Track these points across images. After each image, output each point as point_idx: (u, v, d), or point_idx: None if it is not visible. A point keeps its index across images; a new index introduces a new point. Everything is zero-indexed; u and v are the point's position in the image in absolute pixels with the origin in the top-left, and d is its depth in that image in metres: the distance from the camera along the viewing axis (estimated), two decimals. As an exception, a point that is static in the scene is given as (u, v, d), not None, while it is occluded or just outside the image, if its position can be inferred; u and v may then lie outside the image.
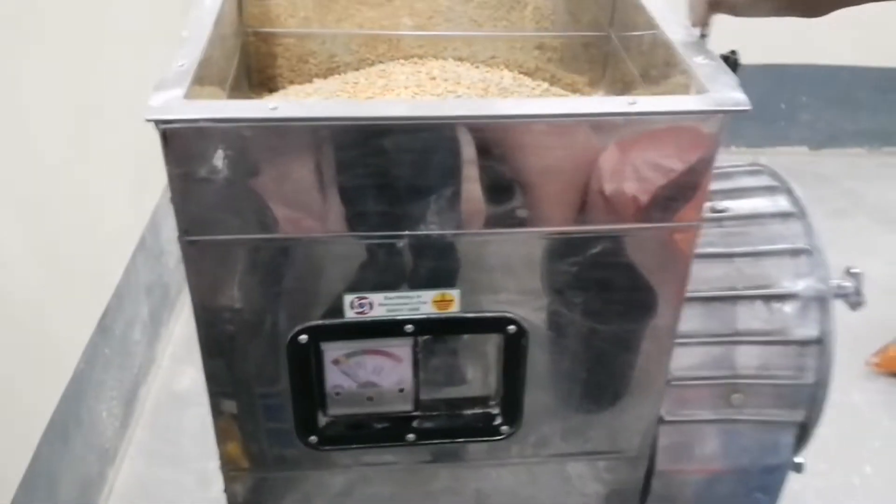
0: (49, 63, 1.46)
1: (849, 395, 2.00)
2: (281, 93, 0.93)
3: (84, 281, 1.63)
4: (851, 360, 2.07)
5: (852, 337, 2.16)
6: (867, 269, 2.64)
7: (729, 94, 0.63)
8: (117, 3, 1.76)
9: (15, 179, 1.34)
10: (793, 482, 1.80)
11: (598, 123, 0.64)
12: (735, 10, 0.71)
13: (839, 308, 1.89)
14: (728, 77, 0.66)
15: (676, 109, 0.64)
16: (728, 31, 0.77)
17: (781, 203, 0.86)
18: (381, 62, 0.94)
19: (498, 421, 0.80)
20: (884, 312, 2.17)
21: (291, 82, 0.95)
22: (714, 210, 0.85)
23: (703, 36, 0.73)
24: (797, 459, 0.90)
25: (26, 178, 1.38)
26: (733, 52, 0.74)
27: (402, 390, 0.77)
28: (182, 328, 2.18)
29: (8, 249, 1.32)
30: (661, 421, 0.83)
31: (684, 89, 0.68)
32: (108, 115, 1.73)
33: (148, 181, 2.02)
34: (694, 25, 0.73)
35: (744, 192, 0.87)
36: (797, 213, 0.85)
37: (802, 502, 1.73)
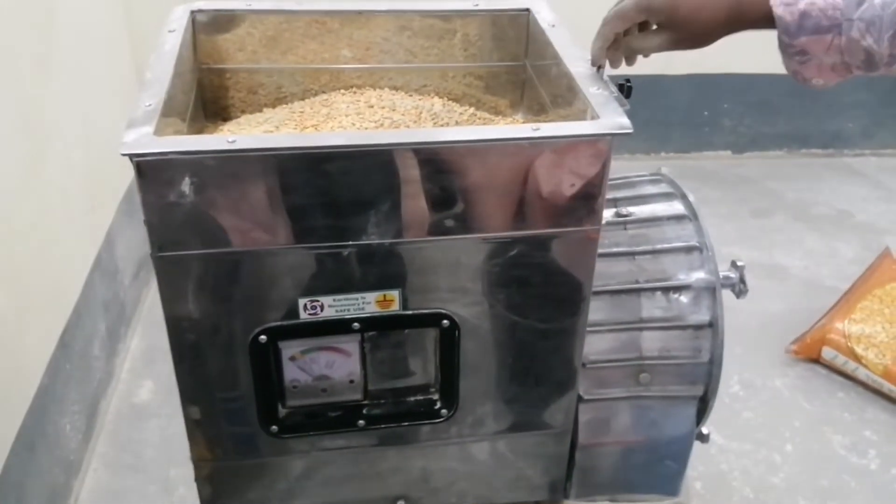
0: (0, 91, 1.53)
1: (771, 380, 2.15)
2: (234, 122, 1.03)
3: (44, 299, 1.69)
4: (773, 348, 2.22)
5: (774, 327, 2.33)
6: (788, 264, 2.81)
7: (616, 120, 0.76)
8: (65, 34, 1.83)
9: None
10: (720, 462, 1.94)
11: (509, 147, 0.76)
12: (631, 53, 0.83)
13: (761, 301, 2.03)
14: (615, 105, 0.78)
15: (572, 134, 0.76)
16: None
17: (677, 207, 0.99)
18: (324, 92, 1.05)
19: (438, 405, 0.91)
20: (802, 303, 2.35)
21: (243, 111, 1.05)
22: (619, 214, 0.97)
23: (599, 68, 0.85)
24: (703, 430, 1.03)
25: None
26: (627, 81, 0.86)
27: (352, 381, 0.88)
28: (138, 343, 2.23)
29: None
30: (580, 400, 0.95)
31: (583, 115, 0.81)
32: (58, 141, 1.79)
33: (101, 203, 2.09)
34: (593, 64, 0.85)
35: (645, 198, 1.00)
36: (690, 216, 0.98)
37: (729, 480, 1.88)
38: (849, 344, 2.07)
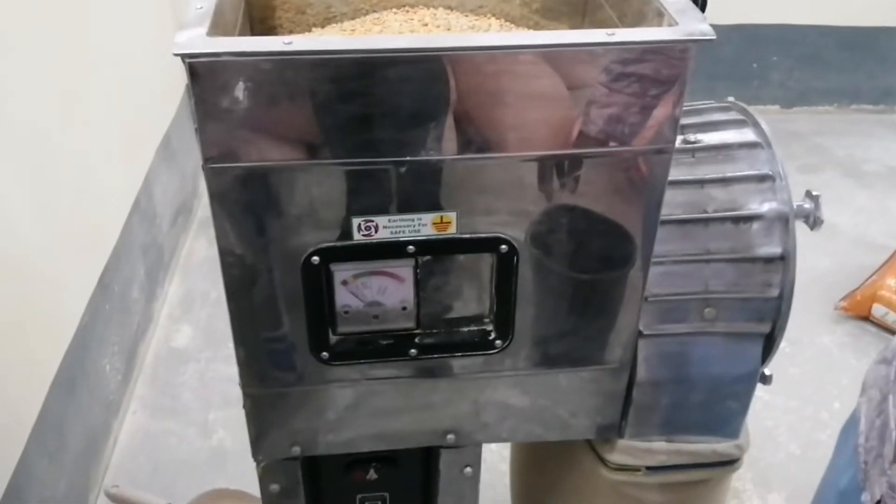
0: (37, 30, 1.50)
1: (819, 337, 2.10)
2: (282, 41, 0.98)
3: (84, 240, 1.68)
4: (822, 305, 2.17)
5: (822, 283, 2.27)
6: (837, 221, 2.74)
7: (697, 26, 0.71)
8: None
9: (11, 144, 1.38)
10: (765, 418, 1.90)
11: (581, 54, 0.71)
12: None
13: (810, 258, 1.98)
14: (696, 12, 0.73)
15: (651, 39, 0.71)
16: None
17: (748, 134, 0.94)
18: (374, 11, 1.00)
19: (492, 336, 0.87)
20: (852, 260, 2.28)
21: (291, 32, 1.01)
22: (687, 142, 0.92)
23: None
24: (766, 371, 0.99)
25: (22, 142, 1.42)
26: None
27: (405, 309, 0.85)
28: (177, 288, 2.24)
29: (10, 211, 1.37)
30: (640, 335, 0.91)
31: (659, 22, 0.75)
32: (96, 83, 1.77)
33: (139, 147, 2.07)
34: None
35: (714, 125, 0.95)
36: (762, 144, 0.92)
37: (776, 436, 1.84)
38: (902, 300, 2.01)
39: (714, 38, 0.70)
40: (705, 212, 0.89)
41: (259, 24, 1.00)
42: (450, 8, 1.01)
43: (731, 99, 1.00)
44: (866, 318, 2.08)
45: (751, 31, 2.81)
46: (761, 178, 0.90)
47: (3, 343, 1.33)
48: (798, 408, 1.92)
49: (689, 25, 0.71)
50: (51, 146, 1.54)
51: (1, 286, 1.33)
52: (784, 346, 2.08)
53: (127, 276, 1.90)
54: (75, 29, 1.68)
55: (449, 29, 0.95)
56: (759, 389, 0.98)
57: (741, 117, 0.96)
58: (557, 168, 0.77)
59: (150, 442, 1.80)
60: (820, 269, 2.25)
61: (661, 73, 0.72)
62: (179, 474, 1.71)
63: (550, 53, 0.71)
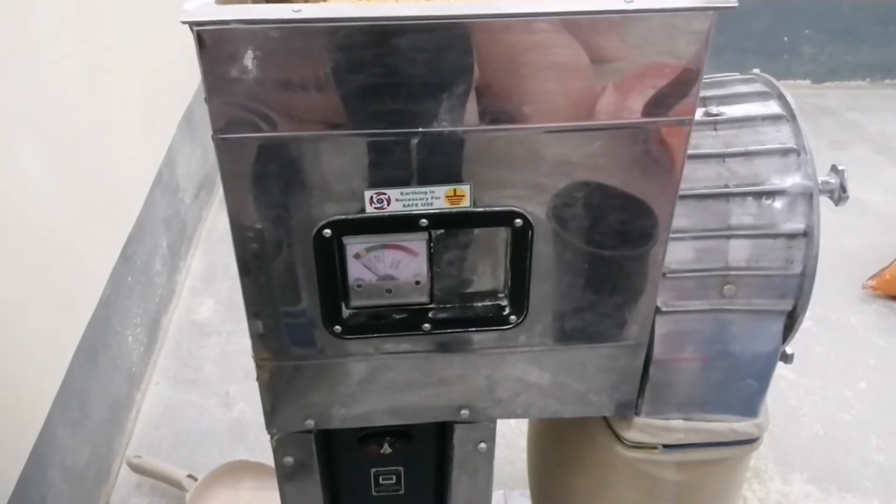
0: (62, 11, 1.50)
1: (846, 315, 2.07)
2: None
3: (106, 212, 1.69)
4: (849, 283, 2.13)
5: (850, 261, 2.23)
6: (867, 198, 2.68)
7: (718, -7, 0.68)
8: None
9: (34, 117, 1.39)
10: (789, 397, 1.87)
11: (598, 22, 0.69)
12: None
13: (837, 235, 1.93)
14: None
15: (670, 7, 0.68)
16: None
17: (773, 107, 0.91)
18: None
19: (506, 311, 0.86)
20: (881, 238, 2.24)
21: (305, 1, 0.99)
22: (708, 114, 0.90)
23: None
24: (787, 350, 0.97)
25: (45, 115, 1.43)
26: None
27: (418, 283, 0.84)
28: (199, 261, 2.25)
29: (33, 182, 1.38)
30: (658, 311, 0.89)
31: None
32: (119, 60, 1.77)
33: (161, 119, 2.07)
34: None
35: (738, 97, 0.92)
36: (787, 117, 0.90)
37: (799, 416, 1.81)
38: (933, 280, 1.97)
39: (736, 5, 0.67)
40: (727, 186, 0.87)
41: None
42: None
43: (756, 71, 0.98)
44: (895, 297, 2.04)
45: (782, 4, 2.74)
46: (785, 152, 0.88)
47: (26, 313, 1.35)
48: (822, 387, 1.89)
49: (710, -7, 0.68)
50: (73, 118, 1.55)
51: (24, 257, 1.34)
52: (810, 325, 2.05)
53: (149, 249, 1.91)
54: (97, 1, 1.68)
55: None
56: (783, 368, 0.96)
57: (766, 89, 0.93)
58: (575, 139, 0.76)
59: (172, 413, 1.82)
60: (848, 246, 2.21)
61: (681, 42, 0.70)
62: (201, 445, 1.73)
63: (567, 21, 0.69)
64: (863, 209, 2.39)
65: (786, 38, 2.81)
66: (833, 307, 2.08)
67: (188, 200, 2.23)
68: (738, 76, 0.97)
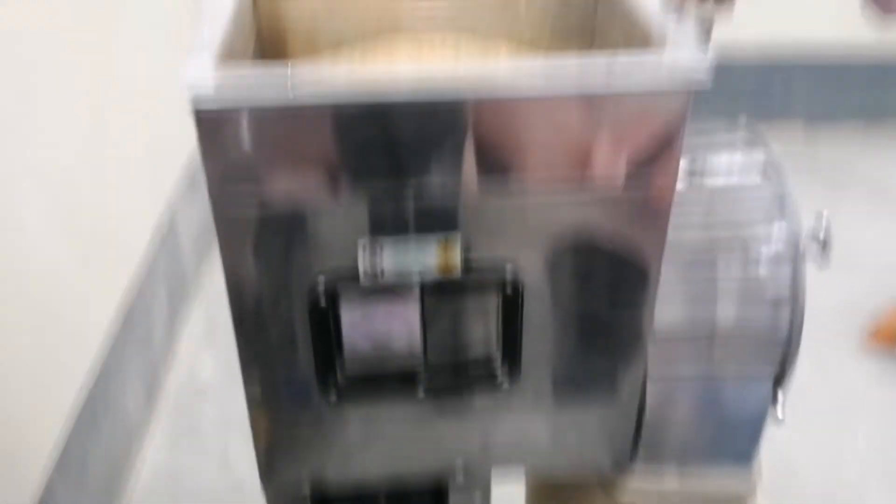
0: (66, 62, 1.54)
1: (844, 364, 2.06)
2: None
3: (106, 270, 1.71)
4: (848, 333, 2.13)
5: (849, 311, 2.23)
6: (862, 242, 2.68)
7: (695, 57, 0.71)
8: (131, 9, 1.84)
9: (41, 171, 1.42)
10: (788, 450, 1.87)
11: (582, 99, 0.72)
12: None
13: (836, 283, 1.94)
14: (697, 45, 0.73)
15: (648, 88, 0.71)
16: None
17: (757, 158, 0.93)
18: (385, 36, 1.01)
19: (499, 375, 0.87)
20: (879, 287, 2.24)
21: (302, 56, 1.01)
22: (693, 166, 0.91)
23: (678, 13, 0.80)
24: (777, 412, 0.97)
25: (50, 169, 1.46)
26: (709, 18, 0.80)
27: (411, 347, 0.85)
28: (199, 316, 2.26)
29: (37, 238, 1.41)
30: (648, 373, 0.90)
31: (660, 54, 0.75)
32: (122, 112, 1.81)
33: (163, 172, 2.11)
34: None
35: (722, 146, 0.94)
36: (771, 171, 0.92)
37: (797, 469, 1.81)
38: (930, 332, 1.98)
39: (709, 86, 0.70)
40: (712, 249, 0.89)
41: (270, 47, 1.02)
42: (460, 31, 1.02)
43: (742, 119, 1.00)
44: (893, 348, 2.04)
45: (773, 49, 2.78)
46: (769, 214, 0.90)
47: (25, 369, 1.36)
48: (822, 441, 1.88)
49: (690, 60, 0.71)
50: (76, 170, 1.58)
51: (22, 316, 1.36)
52: (809, 377, 2.05)
53: (149, 307, 1.93)
54: (103, 53, 1.72)
55: (458, 54, 0.96)
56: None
57: (751, 139, 0.95)
58: (560, 202, 0.78)
59: (171, 474, 1.81)
60: (846, 295, 2.21)
61: (660, 117, 0.73)
62: (200, 506, 1.72)
63: (552, 99, 0.72)
64: (860, 256, 2.38)
65: (778, 82, 2.83)
66: (833, 358, 2.08)
67: (188, 256, 2.25)
68: (723, 124, 0.99)
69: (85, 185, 1.62)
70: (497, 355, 0.87)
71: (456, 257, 0.79)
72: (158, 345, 1.99)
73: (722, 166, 0.91)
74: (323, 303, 0.80)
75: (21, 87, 1.37)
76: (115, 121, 1.78)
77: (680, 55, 0.72)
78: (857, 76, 2.85)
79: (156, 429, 1.93)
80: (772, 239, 0.89)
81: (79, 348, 1.58)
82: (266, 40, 1.01)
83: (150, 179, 2.01)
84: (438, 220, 0.78)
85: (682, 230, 0.88)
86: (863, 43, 2.74)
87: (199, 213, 2.32)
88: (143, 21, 1.96)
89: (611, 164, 0.75)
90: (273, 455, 0.92)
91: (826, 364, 2.04)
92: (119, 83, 1.81)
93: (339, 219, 0.77)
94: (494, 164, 0.75)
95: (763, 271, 0.89)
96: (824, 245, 0.90)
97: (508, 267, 0.80)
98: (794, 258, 0.89)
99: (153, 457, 1.86)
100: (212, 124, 0.70)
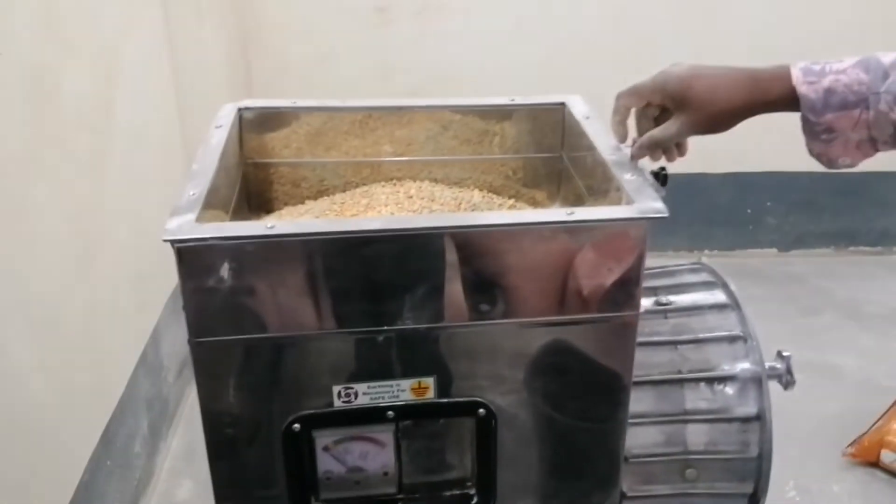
0: (55, 194, 1.59)
1: (828, 485, 2.05)
2: (276, 214, 1.05)
3: (88, 394, 1.71)
4: (829, 451, 2.13)
5: (829, 429, 2.24)
6: (841, 364, 2.72)
7: (650, 204, 0.76)
8: (121, 134, 1.91)
9: (26, 300, 1.44)
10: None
11: (544, 231, 0.76)
12: (656, 146, 0.83)
13: (815, 402, 1.95)
14: (650, 190, 0.78)
15: (607, 218, 0.76)
16: (693, 142, 0.88)
17: (719, 296, 0.97)
18: (364, 184, 1.07)
19: (475, 500, 0.88)
20: (858, 404, 2.26)
21: (286, 204, 1.08)
22: (659, 303, 0.96)
23: (634, 165, 0.85)
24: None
25: (36, 298, 1.48)
26: (662, 169, 0.87)
27: (386, 474, 0.86)
28: (180, 441, 2.23)
29: (19, 365, 1.41)
30: (623, 496, 0.91)
31: (618, 201, 0.81)
32: (110, 239, 1.84)
33: (149, 301, 2.13)
34: (618, 141, 0.86)
35: (685, 287, 0.99)
36: (732, 305, 0.96)
37: None
38: (909, 446, 1.98)
39: (666, 215, 0.75)
40: (680, 372, 0.92)
41: (256, 197, 1.07)
42: (435, 180, 1.08)
43: (703, 260, 1.05)
44: (875, 464, 2.04)
45: (744, 179, 2.90)
46: (732, 339, 0.93)
47: (2, 498, 1.34)
48: (810, 560, 1.85)
49: (644, 204, 0.76)
50: (61, 300, 1.59)
51: (3, 442, 1.35)
52: (793, 496, 2.03)
53: (130, 430, 1.91)
54: (92, 183, 1.77)
55: (433, 200, 1.01)
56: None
57: (711, 279, 1.00)
58: (531, 334, 0.81)
59: None
60: (826, 413, 2.22)
61: (620, 245, 0.77)
62: None
63: (514, 231, 0.76)
64: (838, 375, 2.43)
65: (749, 210, 2.95)
66: (816, 476, 2.06)
67: (171, 379, 2.24)
68: (686, 265, 1.04)
69: (72, 316, 1.64)
70: (472, 479, 0.88)
71: (430, 390, 0.81)
72: (138, 469, 1.96)
73: (686, 302, 0.96)
74: (297, 428, 0.82)
75: (12, 224, 1.41)
76: (105, 249, 1.81)
77: (637, 204, 0.77)
78: (826, 204, 2.96)
79: (131, 557, 1.87)
80: (736, 360, 0.92)
81: (59, 478, 1.55)
82: (252, 190, 1.07)
83: (138, 308, 2.03)
84: (412, 358, 0.81)
85: (651, 353, 0.91)
86: (829, 173, 2.86)
87: (184, 338, 2.32)
88: (133, 152, 2.02)
89: (578, 291, 0.79)
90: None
91: (810, 481, 2.03)
92: (110, 211, 1.85)
93: (315, 354, 0.80)
94: (469, 298, 0.79)
95: (729, 390, 0.92)
96: (787, 371, 0.93)
97: (481, 395, 0.83)
98: (759, 378, 0.91)
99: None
100: (193, 257, 0.73)
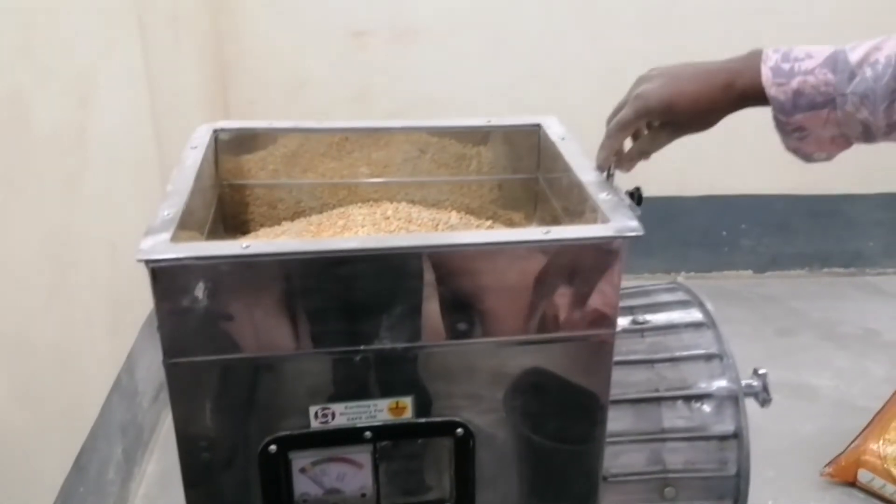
0: (27, 217, 1.57)
1: (804, 498, 2.06)
2: (252, 235, 1.05)
3: (61, 419, 1.68)
4: (807, 471, 2.14)
5: (806, 449, 2.26)
6: (817, 385, 2.74)
7: (626, 223, 0.77)
8: (96, 156, 1.90)
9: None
10: None
11: (520, 250, 0.76)
12: (641, 156, 0.85)
13: (792, 422, 1.97)
14: (625, 210, 0.79)
15: (582, 236, 0.76)
16: (669, 166, 0.89)
17: (695, 315, 0.98)
18: (341, 206, 1.07)
19: (453, 520, 0.87)
20: (834, 424, 2.27)
21: (262, 225, 1.07)
22: (636, 322, 0.96)
23: (609, 176, 0.87)
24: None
25: (7, 322, 1.46)
26: (637, 189, 0.88)
27: (364, 496, 0.85)
28: (155, 466, 2.20)
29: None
30: (601, 517, 0.91)
31: (593, 220, 0.82)
32: (84, 262, 1.83)
33: (124, 325, 2.10)
34: (599, 170, 0.87)
35: (662, 306, 1.00)
36: (708, 324, 0.97)
37: None
38: (885, 465, 1.99)
39: (641, 234, 0.75)
40: (657, 391, 0.92)
41: (232, 218, 1.07)
42: (412, 202, 1.08)
43: (679, 280, 1.06)
44: (853, 483, 2.05)
45: (719, 201, 2.93)
46: (708, 358, 0.94)
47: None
48: (790, 581, 1.85)
49: (619, 222, 0.77)
50: (34, 324, 1.57)
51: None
52: (771, 511, 2.03)
53: (104, 457, 1.88)
54: (65, 205, 1.76)
55: (411, 221, 1.01)
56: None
57: (687, 298, 1.01)
58: (508, 353, 0.81)
59: None
60: (803, 433, 2.24)
61: (596, 264, 0.77)
62: None
63: (491, 250, 0.76)
64: (814, 395, 2.45)
65: (724, 232, 2.98)
66: (794, 496, 2.07)
67: (146, 404, 2.22)
68: (662, 285, 1.05)
69: (44, 341, 1.61)
70: (451, 500, 0.87)
71: (408, 410, 0.81)
72: (111, 496, 1.92)
73: (662, 321, 0.96)
74: (273, 450, 0.81)
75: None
76: (79, 273, 1.79)
77: (613, 223, 0.77)
78: (801, 226, 3.00)
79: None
80: (713, 379, 0.93)
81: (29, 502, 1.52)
82: (228, 211, 1.06)
83: (112, 332, 2.01)
84: (389, 378, 0.80)
85: (627, 372, 0.91)
86: (803, 196, 2.92)
87: (160, 362, 2.30)
88: (108, 174, 2.01)
89: (555, 309, 0.79)
90: None
91: (789, 501, 2.04)
92: (84, 234, 1.84)
93: (292, 374, 0.79)
94: (447, 318, 0.79)
95: (707, 408, 0.92)
96: (764, 389, 0.94)
97: (459, 414, 0.82)
98: (736, 396, 0.92)
99: None
100: (167, 277, 0.73)
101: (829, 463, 2.11)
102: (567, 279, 0.78)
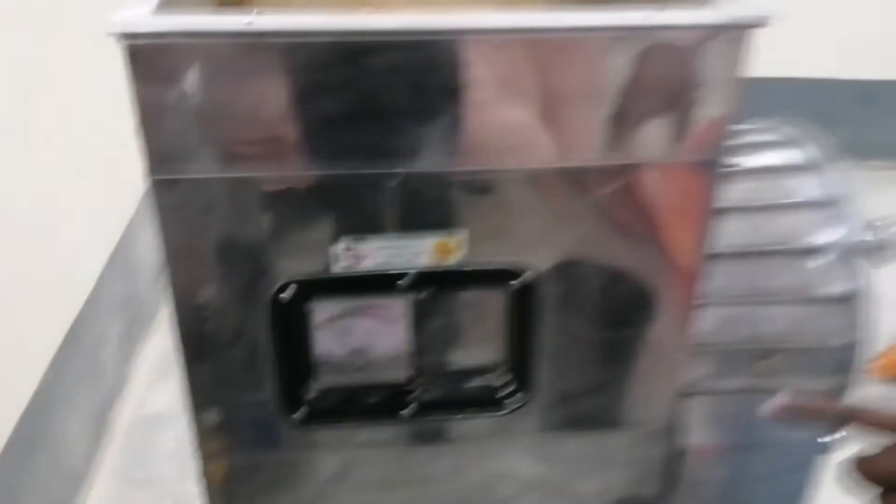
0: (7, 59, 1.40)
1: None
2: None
3: (52, 289, 1.55)
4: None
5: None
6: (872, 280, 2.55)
7: (752, 6, 0.57)
8: None
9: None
10: None
11: (615, 38, 0.58)
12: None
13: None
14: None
15: (697, 23, 0.57)
16: None
17: (803, 155, 0.80)
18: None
19: (505, 392, 0.72)
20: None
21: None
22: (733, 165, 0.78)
23: None
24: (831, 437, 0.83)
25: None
26: None
27: (396, 357, 0.70)
28: (157, 347, 2.08)
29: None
30: (685, 392, 0.76)
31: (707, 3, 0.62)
32: (75, 117, 1.66)
33: (122, 190, 1.94)
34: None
35: (764, 146, 0.82)
36: (820, 165, 0.79)
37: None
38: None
39: (772, 23, 0.57)
40: (758, 244, 0.75)
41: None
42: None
43: (779, 118, 0.87)
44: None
45: (761, 85, 2.72)
46: (821, 205, 0.76)
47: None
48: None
49: (742, 8, 0.58)
50: (18, 184, 1.42)
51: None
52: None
53: (100, 332, 1.75)
54: (45, 51, 1.58)
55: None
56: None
57: (793, 135, 0.82)
58: (584, 183, 0.63)
59: (119, 518, 1.62)
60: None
61: (707, 65, 0.59)
62: (151, 554, 1.53)
63: (574, 39, 0.57)
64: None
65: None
66: None
67: (148, 280, 2.08)
68: (762, 124, 0.86)
69: (36, 204, 1.46)
70: (503, 367, 0.72)
71: (455, 252, 0.64)
72: (109, 374, 1.81)
73: (760, 164, 0.78)
74: (287, 298, 0.64)
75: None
76: (71, 131, 1.62)
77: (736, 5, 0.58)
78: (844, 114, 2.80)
79: (103, 465, 1.75)
80: (826, 229, 0.76)
81: (17, 378, 1.40)
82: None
83: (110, 198, 1.86)
84: (433, 211, 0.63)
85: (725, 218, 0.74)
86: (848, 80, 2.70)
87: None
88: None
89: (645, 126, 0.61)
90: (231, 496, 0.75)
91: None
92: (78, 86, 1.66)
93: (309, 201, 0.62)
94: (502, 130, 0.61)
95: (815, 266, 0.75)
96: (881, 244, 0.76)
97: (521, 259, 0.65)
98: (853, 250, 0.75)
99: (98, 497, 1.68)
100: (149, 61, 0.55)
101: (874, 359, 1.96)
102: (671, 82, 0.59)
